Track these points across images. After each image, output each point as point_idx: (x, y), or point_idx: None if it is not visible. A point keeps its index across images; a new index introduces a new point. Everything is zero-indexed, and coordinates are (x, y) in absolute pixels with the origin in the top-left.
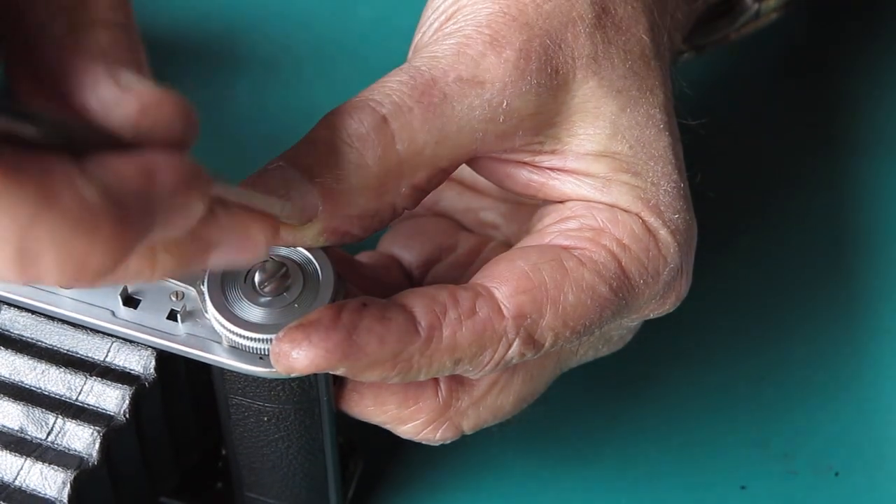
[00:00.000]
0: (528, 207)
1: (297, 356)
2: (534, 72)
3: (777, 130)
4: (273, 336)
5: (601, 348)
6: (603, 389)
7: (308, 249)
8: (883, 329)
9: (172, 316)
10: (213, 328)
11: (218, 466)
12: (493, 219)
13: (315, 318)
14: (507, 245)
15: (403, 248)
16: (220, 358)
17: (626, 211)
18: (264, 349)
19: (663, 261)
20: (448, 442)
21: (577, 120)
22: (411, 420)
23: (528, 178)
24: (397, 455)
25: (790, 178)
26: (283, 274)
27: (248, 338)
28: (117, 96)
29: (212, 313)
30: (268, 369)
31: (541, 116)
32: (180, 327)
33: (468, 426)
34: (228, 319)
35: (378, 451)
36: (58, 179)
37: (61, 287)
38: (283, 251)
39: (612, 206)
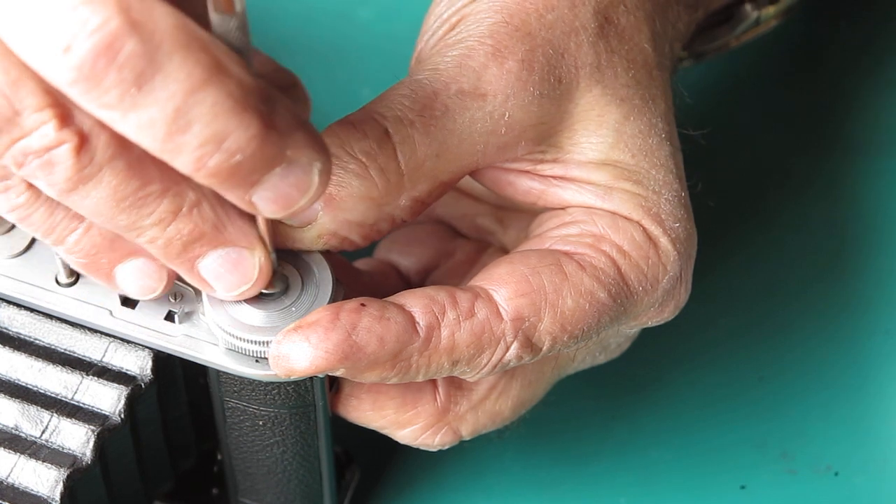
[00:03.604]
0: (525, 213)
1: (297, 358)
2: (536, 82)
3: (776, 137)
4: (270, 339)
5: (598, 356)
6: (602, 390)
7: (306, 253)
8: (882, 329)
9: (170, 317)
10: (211, 330)
11: (213, 471)
12: (489, 225)
13: (313, 319)
14: (504, 251)
15: (401, 254)
16: (216, 360)
17: (627, 218)
18: (261, 352)
19: (663, 269)
20: (446, 447)
21: (579, 129)
22: (409, 424)
23: (528, 185)
24: (393, 465)
25: (790, 182)
26: (282, 277)
27: (245, 340)
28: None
29: (209, 315)
30: (264, 372)
31: (543, 126)
32: (178, 328)
33: (467, 431)
34: (226, 321)
35: (374, 460)
36: (231, 60)
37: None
38: (282, 254)
39: (613, 213)
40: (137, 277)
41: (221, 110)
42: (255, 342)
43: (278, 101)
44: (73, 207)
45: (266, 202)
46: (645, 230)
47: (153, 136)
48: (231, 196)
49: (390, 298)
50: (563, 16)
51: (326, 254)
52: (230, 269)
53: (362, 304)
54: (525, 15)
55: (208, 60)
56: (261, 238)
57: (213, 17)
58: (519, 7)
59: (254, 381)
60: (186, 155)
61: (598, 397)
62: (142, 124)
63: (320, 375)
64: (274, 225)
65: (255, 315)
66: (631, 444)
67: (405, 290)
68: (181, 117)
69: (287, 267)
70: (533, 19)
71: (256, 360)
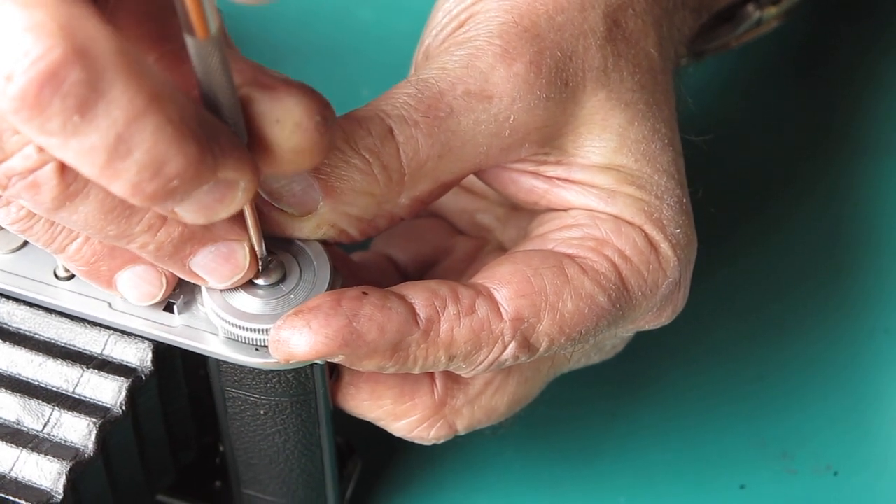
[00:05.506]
0: (524, 212)
1: (297, 343)
2: (543, 85)
3: (777, 140)
4: (269, 327)
5: (593, 356)
6: (602, 389)
7: (304, 242)
8: (882, 329)
9: (169, 308)
10: (210, 319)
11: (216, 464)
12: (488, 222)
13: (315, 304)
14: (503, 249)
15: (399, 249)
16: (216, 349)
17: (629, 223)
18: (261, 340)
19: (663, 274)
20: (440, 441)
21: (584, 132)
22: (406, 416)
23: (532, 184)
24: (396, 456)
25: (790, 184)
26: (280, 265)
27: (244, 328)
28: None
29: (208, 304)
30: (264, 360)
31: (547, 129)
32: (177, 318)
33: (462, 426)
34: (225, 310)
35: (377, 451)
36: (170, 89)
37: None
38: (280, 243)
39: (616, 217)
40: (137, 284)
41: (162, 137)
42: (255, 330)
43: (214, 124)
44: (62, 223)
45: (188, 212)
46: (646, 235)
47: (92, 162)
48: (155, 208)
49: (392, 289)
50: (573, 18)
51: (324, 244)
52: (222, 263)
53: (364, 293)
54: (535, 16)
55: (150, 86)
56: (248, 228)
57: (188, 41)
58: (529, 7)
59: (254, 369)
60: (124, 181)
61: (598, 397)
62: (82, 151)
63: (320, 362)
64: (266, 214)
65: (254, 303)
66: (631, 444)
67: (403, 283)
68: (122, 144)
69: (285, 256)
70: (543, 21)
71: (256, 349)
